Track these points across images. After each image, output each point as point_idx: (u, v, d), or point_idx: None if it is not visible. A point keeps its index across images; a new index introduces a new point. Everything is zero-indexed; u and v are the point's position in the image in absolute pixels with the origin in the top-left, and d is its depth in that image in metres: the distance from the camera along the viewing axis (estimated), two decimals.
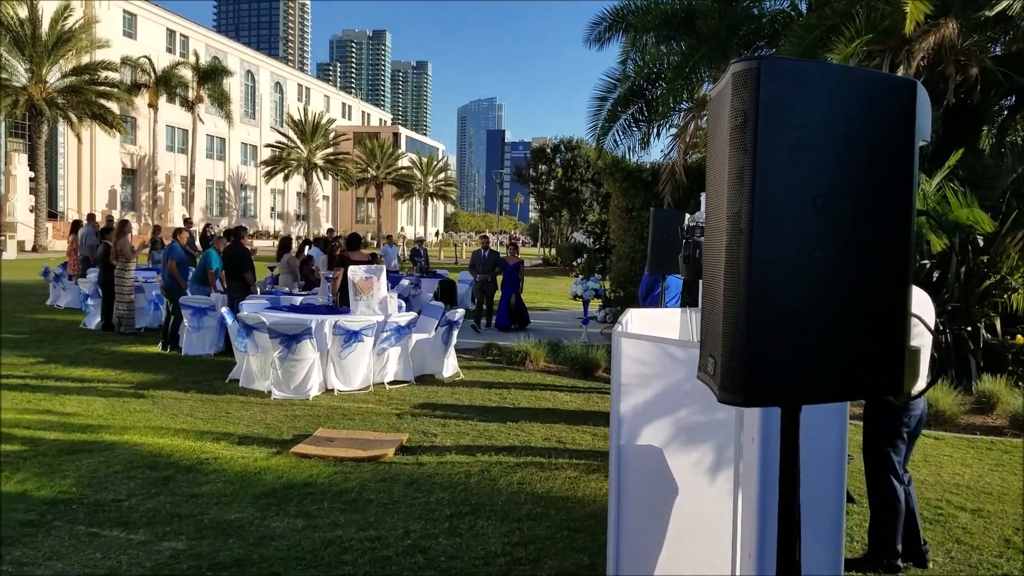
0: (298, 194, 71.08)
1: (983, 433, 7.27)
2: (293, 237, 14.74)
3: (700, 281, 5.34)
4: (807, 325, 1.43)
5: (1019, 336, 8.89)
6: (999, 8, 8.99)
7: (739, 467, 3.35)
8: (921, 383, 4.31)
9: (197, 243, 17.40)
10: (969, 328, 8.74)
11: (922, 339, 4.21)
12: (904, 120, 1.46)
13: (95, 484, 5.08)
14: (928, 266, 8.77)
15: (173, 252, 10.71)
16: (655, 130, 14.07)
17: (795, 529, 1.63)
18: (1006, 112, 11.36)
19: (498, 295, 14.27)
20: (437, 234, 79.97)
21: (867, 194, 1.45)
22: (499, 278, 14.33)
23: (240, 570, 3.91)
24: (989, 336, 8.90)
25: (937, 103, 9.19)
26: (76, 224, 16.30)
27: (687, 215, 5.36)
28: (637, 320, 4.93)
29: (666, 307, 7.26)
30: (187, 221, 20.51)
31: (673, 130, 14.20)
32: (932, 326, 4.35)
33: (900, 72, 8.93)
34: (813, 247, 1.43)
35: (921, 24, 8.68)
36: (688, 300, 8.53)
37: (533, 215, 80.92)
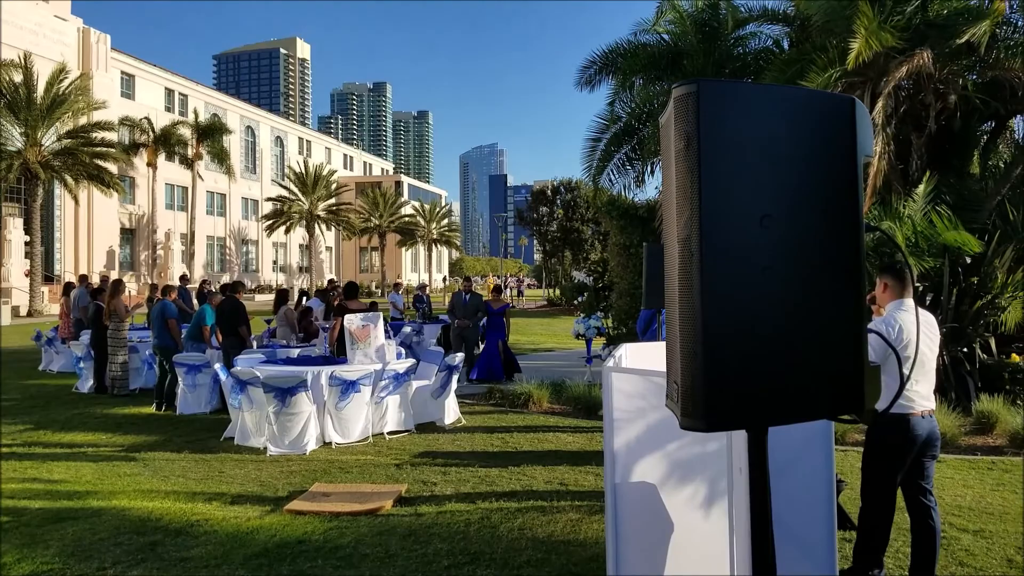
0: (300, 246, 71.47)
1: (983, 453, 7.25)
2: (295, 288, 14.67)
3: None
4: (764, 346, 1.39)
5: (1014, 355, 8.86)
6: (966, 37, 9.15)
7: (732, 498, 3.23)
8: (927, 403, 4.19)
9: (194, 300, 17.39)
10: (965, 349, 8.70)
11: (928, 354, 4.13)
12: (846, 136, 1.45)
13: (79, 553, 4.92)
14: (920, 289, 8.76)
15: (167, 310, 10.66)
16: (648, 168, 14.15)
17: (769, 555, 1.54)
18: (987, 137, 11.46)
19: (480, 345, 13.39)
20: (444, 279, 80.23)
21: (813, 211, 1.43)
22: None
23: None
24: (985, 356, 8.87)
25: (920, 130, 9.28)
26: (68, 286, 16.30)
27: None
28: (632, 354, 4.86)
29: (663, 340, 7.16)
30: (184, 278, 20.53)
31: None
32: (935, 346, 4.27)
33: (880, 102, 9.03)
34: (763, 266, 1.39)
35: (886, 57, 8.82)
36: None
37: (537, 257, 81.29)
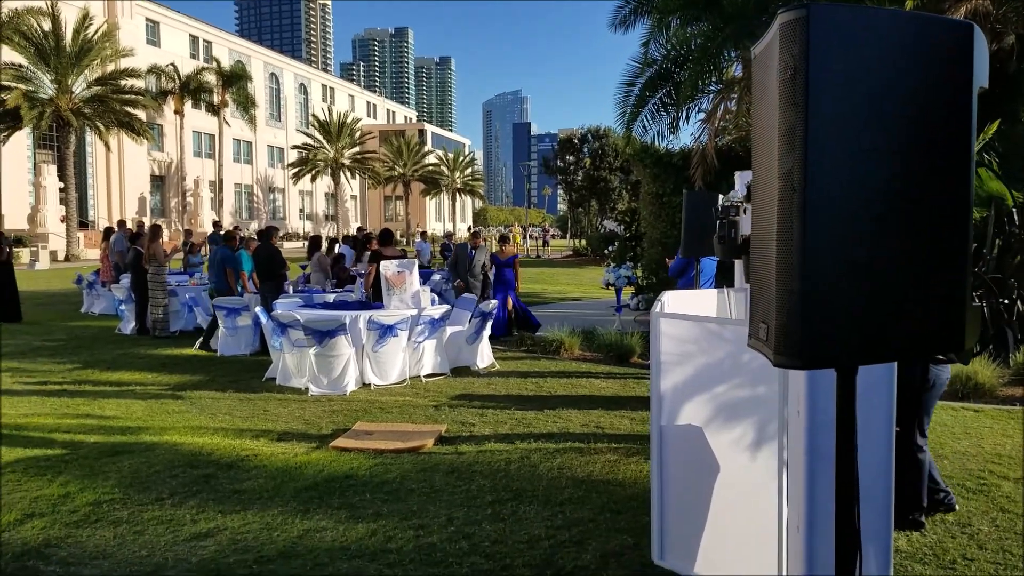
0: (326, 195, 71.69)
1: (1022, 404, 7.22)
2: (324, 237, 14.71)
3: (736, 261, 5.30)
4: (865, 283, 1.38)
5: None
6: None
7: (783, 441, 3.29)
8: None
9: None
10: (1006, 300, 8.61)
11: None
12: (961, 64, 1.40)
13: (137, 484, 5.12)
14: None
15: (227, 257, 10.82)
16: (684, 114, 13.87)
17: (854, 496, 1.57)
18: None
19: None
20: (469, 229, 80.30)
21: (924, 144, 1.39)
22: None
23: (286, 562, 3.93)
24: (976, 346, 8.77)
25: None
26: (108, 231, 16.56)
27: (720, 196, 5.29)
28: (673, 302, 4.88)
29: (701, 289, 7.17)
30: (216, 224, 20.75)
31: (702, 113, 14.03)
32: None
33: None
34: (871, 202, 1.37)
35: None
36: (722, 282, 8.42)
37: (562, 207, 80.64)
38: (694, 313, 4.53)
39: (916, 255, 1.39)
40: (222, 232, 15.41)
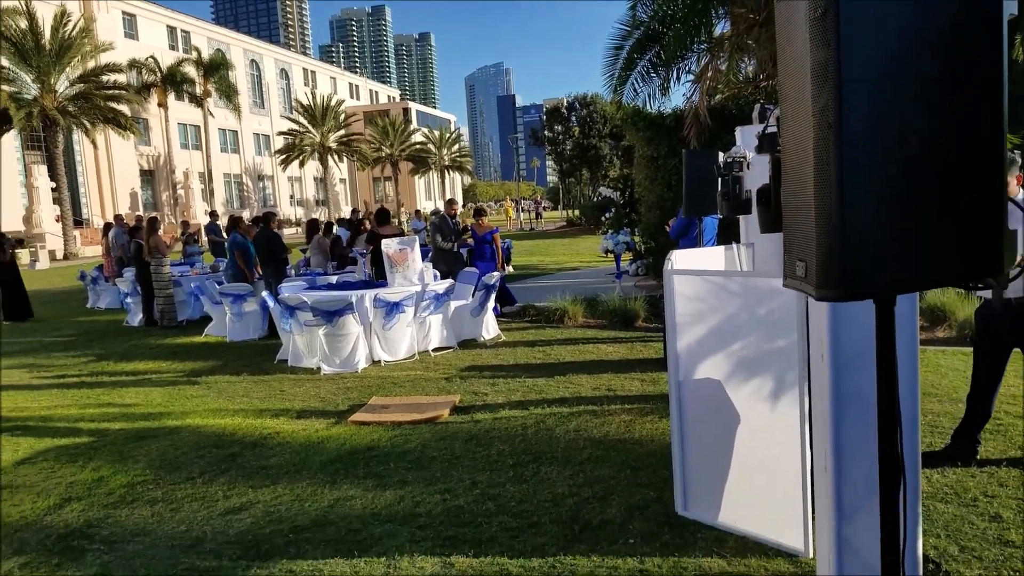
0: (315, 179, 71.27)
1: None
2: (321, 220, 14.67)
3: (741, 217, 5.34)
4: (902, 213, 1.43)
5: None
6: None
7: (804, 388, 3.37)
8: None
9: (224, 234, 17.56)
10: None
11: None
12: None
13: (166, 466, 5.23)
14: None
15: (237, 243, 10.82)
16: (674, 74, 13.77)
17: (895, 422, 1.65)
18: None
19: None
20: (465, 205, 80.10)
21: (957, 72, 1.42)
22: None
23: (321, 530, 4.03)
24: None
25: None
26: (108, 226, 16.56)
27: (721, 153, 5.32)
28: (681, 261, 4.93)
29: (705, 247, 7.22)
30: (213, 214, 20.67)
31: (691, 75, 13.95)
32: None
33: None
34: (905, 133, 1.42)
35: None
36: (723, 240, 8.47)
37: (552, 178, 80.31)
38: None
39: (952, 183, 1.43)
40: (220, 221, 15.39)
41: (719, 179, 4.67)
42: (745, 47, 12.69)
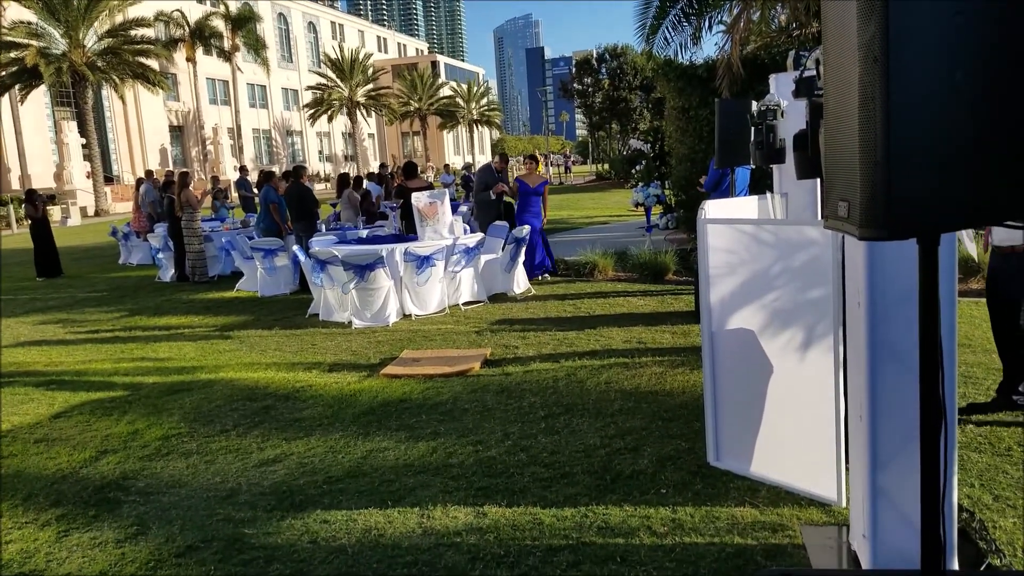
0: (344, 134, 71.20)
1: None
2: (351, 175, 14.65)
3: (775, 166, 5.23)
4: (948, 151, 1.40)
5: None
6: None
7: (839, 335, 3.32)
8: None
9: (254, 189, 17.68)
10: None
11: None
12: None
13: (200, 419, 5.32)
14: None
15: (270, 195, 10.87)
16: (706, 23, 13.46)
17: (938, 365, 1.61)
18: None
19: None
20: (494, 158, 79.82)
21: (1005, 9, 1.37)
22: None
23: (354, 480, 4.09)
24: None
25: None
26: (140, 181, 16.72)
27: (754, 103, 5.19)
28: (714, 211, 4.85)
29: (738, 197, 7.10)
30: (243, 170, 20.79)
31: (722, 26, 13.60)
32: None
33: None
34: (951, 68, 1.37)
35: None
36: (755, 191, 8.32)
37: (581, 132, 79.40)
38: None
39: (996, 119, 1.40)
40: (249, 177, 15.45)
41: (752, 128, 4.57)
42: None
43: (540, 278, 10.14)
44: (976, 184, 1.41)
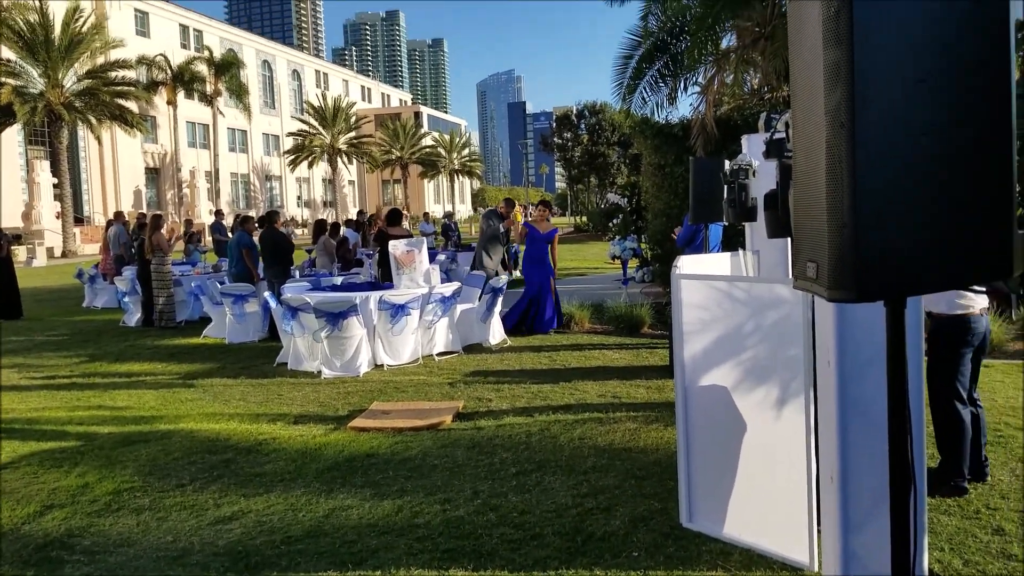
0: (324, 180, 71.44)
1: None
2: (328, 221, 14.62)
3: (747, 224, 5.26)
4: (914, 214, 1.41)
5: None
6: None
7: (810, 395, 3.28)
8: (983, 300, 4.29)
9: (229, 233, 17.55)
10: None
11: None
12: None
13: (156, 472, 5.10)
14: None
15: (243, 240, 10.76)
16: (681, 85, 13.84)
17: (906, 429, 1.57)
18: None
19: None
20: (475, 210, 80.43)
21: (966, 73, 1.40)
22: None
23: (314, 541, 3.94)
24: None
25: None
26: (110, 223, 16.50)
27: (727, 161, 5.25)
28: (688, 267, 4.85)
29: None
30: (218, 214, 20.68)
31: (697, 86, 13.97)
32: None
33: None
34: (916, 133, 1.38)
35: None
36: (728, 247, 8.40)
37: (560, 184, 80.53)
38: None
39: (963, 184, 1.40)
40: (226, 220, 15.36)
41: (725, 186, 4.60)
42: (751, 60, 12.73)
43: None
44: (943, 248, 1.42)
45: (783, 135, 2.35)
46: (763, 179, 3.75)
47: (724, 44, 13.07)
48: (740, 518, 3.70)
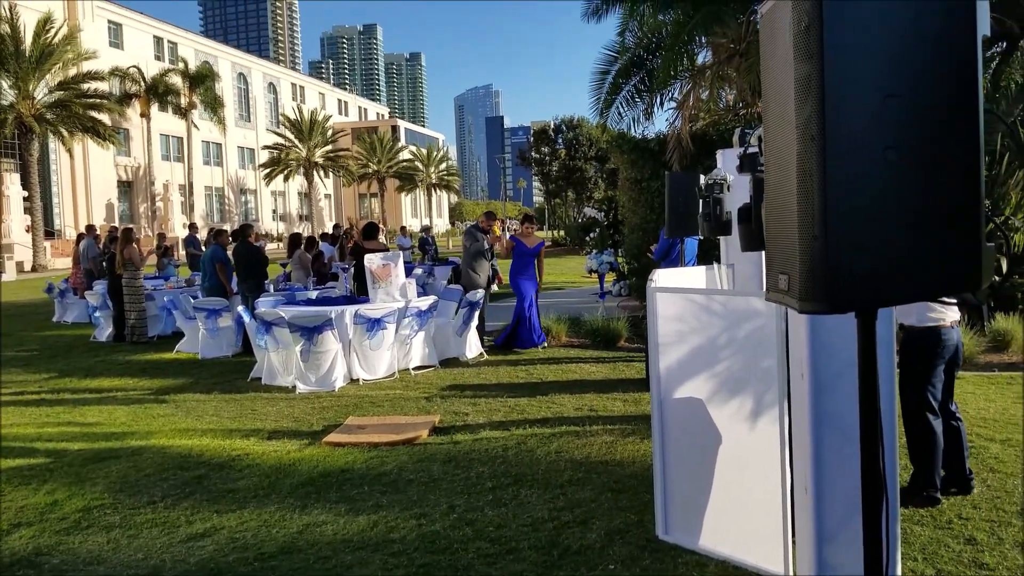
0: (299, 194, 71.02)
1: (1001, 370, 7.47)
2: (304, 235, 14.53)
3: (722, 238, 5.31)
4: (883, 227, 1.43)
5: None
6: None
7: (784, 407, 3.31)
8: (954, 313, 4.35)
9: (203, 247, 17.38)
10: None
11: None
12: (966, 11, 1.42)
13: (127, 489, 5.01)
14: None
15: (217, 254, 10.64)
16: (657, 99, 13.97)
17: (878, 440, 1.59)
18: (998, 58, 11.27)
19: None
20: (453, 224, 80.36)
21: (935, 89, 1.42)
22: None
23: (288, 558, 3.88)
24: (997, 277, 8.96)
25: None
26: (81, 236, 16.25)
27: (702, 176, 5.31)
28: (664, 280, 4.88)
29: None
30: (192, 227, 20.47)
31: (673, 102, 14.13)
32: None
33: None
34: (887, 147, 1.40)
35: None
36: (703, 261, 8.47)
37: (538, 198, 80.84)
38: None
39: (932, 197, 1.42)
40: (199, 234, 15.21)
41: (700, 200, 4.64)
42: (726, 76, 12.88)
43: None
44: (912, 260, 1.44)
45: (756, 150, 2.38)
46: (737, 193, 3.79)
47: (700, 60, 13.24)
48: (716, 530, 3.71)
